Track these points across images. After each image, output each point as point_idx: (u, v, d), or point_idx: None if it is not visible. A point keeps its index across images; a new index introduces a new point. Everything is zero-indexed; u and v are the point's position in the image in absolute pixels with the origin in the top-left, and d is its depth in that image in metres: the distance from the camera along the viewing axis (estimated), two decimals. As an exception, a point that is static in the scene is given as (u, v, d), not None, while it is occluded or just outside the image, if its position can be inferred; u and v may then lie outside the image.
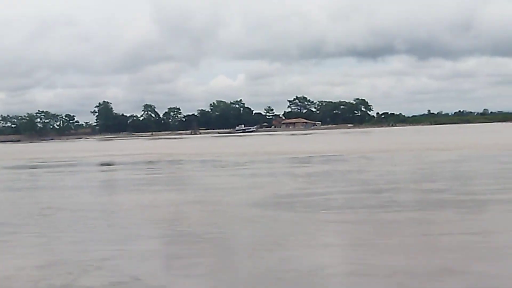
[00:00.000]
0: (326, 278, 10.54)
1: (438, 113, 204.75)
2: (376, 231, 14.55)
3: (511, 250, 12.10)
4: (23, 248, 14.36)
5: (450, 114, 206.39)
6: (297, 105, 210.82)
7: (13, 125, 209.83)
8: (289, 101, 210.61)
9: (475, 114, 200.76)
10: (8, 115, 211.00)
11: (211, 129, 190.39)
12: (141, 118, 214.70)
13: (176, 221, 17.71)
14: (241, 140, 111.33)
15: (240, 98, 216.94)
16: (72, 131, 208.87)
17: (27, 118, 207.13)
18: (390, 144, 65.58)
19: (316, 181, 29.30)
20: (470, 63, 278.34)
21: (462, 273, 10.32)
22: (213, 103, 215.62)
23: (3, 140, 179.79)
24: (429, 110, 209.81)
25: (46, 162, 56.79)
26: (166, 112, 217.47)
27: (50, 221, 19.13)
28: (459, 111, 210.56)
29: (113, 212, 20.70)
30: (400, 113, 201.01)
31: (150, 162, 53.36)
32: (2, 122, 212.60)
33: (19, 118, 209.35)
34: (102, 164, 53.85)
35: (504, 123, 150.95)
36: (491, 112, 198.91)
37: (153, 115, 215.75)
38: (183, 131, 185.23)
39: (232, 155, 58.14)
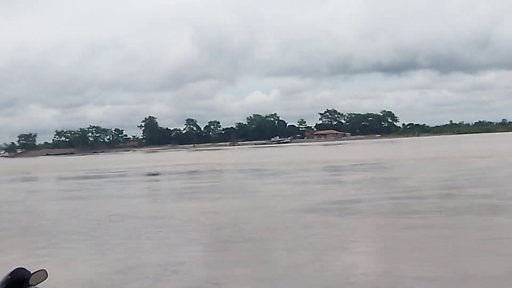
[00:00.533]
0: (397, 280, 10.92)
1: (459, 123, 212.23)
2: (430, 236, 14.99)
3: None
4: (98, 253, 15.36)
5: (471, 124, 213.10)
6: (328, 117, 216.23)
7: (66, 139, 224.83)
8: (320, 114, 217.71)
9: (495, 124, 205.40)
10: (62, 130, 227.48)
11: (248, 140, 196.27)
12: (183, 131, 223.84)
13: (238, 227, 18.40)
14: (278, 150, 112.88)
15: (275, 112, 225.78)
16: (121, 144, 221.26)
17: (80, 133, 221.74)
18: (422, 152, 66.18)
19: (363, 187, 29.57)
20: (488, 76, 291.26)
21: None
22: (250, 116, 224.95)
23: (58, 153, 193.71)
24: (451, 121, 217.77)
25: (103, 173, 59.23)
26: (206, 126, 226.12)
27: (119, 228, 20.18)
28: (479, 121, 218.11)
29: (178, 218, 21.60)
30: (424, 124, 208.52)
31: (200, 171, 55.10)
32: (57, 136, 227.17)
33: (72, 132, 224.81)
34: (155, 174, 55.75)
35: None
36: (510, 122, 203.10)
37: (194, 128, 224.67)
38: (223, 143, 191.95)
39: (276, 164, 59.38)
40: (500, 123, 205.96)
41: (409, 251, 13.44)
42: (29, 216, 25.98)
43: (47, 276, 3.40)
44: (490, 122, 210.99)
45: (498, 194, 23.60)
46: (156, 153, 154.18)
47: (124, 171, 61.59)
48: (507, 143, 75.98)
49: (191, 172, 55.02)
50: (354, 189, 29.23)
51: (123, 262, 13.64)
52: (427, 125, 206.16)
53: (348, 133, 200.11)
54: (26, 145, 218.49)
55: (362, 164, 50.38)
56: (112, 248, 15.87)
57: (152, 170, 61.51)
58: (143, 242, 16.90)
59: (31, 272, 3.34)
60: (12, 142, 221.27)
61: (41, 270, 3.40)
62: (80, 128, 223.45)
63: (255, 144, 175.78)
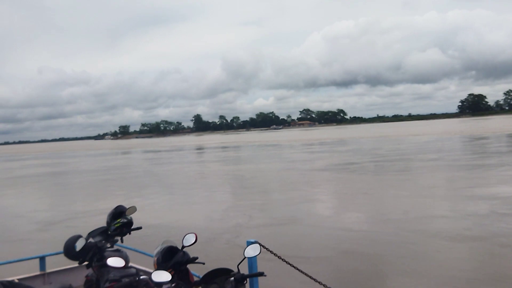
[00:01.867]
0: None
1: (383, 116, 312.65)
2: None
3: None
4: (206, 198, 20.18)
5: (389, 116, 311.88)
6: (304, 114, 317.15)
7: (147, 128, 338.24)
8: (300, 111, 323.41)
9: (404, 116, 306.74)
10: (145, 123, 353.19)
11: (256, 128, 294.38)
12: (217, 123, 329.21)
13: (287, 180, 25.27)
14: (277, 133, 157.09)
15: (272, 111, 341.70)
16: (180, 131, 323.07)
17: (155, 124, 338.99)
18: (370, 133, 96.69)
19: (347, 155, 39.79)
20: (400, 88, 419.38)
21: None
22: (257, 113, 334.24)
23: (143, 137, 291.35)
24: (377, 115, 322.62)
25: (178, 148, 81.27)
26: (231, 119, 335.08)
27: (208, 182, 26.77)
28: (395, 115, 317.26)
29: (237, 176, 29.51)
30: (362, 117, 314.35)
31: (238, 146, 73.30)
32: (142, 126, 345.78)
33: (150, 124, 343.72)
34: (208, 148, 70.41)
35: (421, 121, 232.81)
36: (412, 115, 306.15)
37: (224, 121, 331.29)
38: (241, 130, 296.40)
39: (285, 141, 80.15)
40: (407, 115, 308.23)
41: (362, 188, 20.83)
42: (140, 175, 33.53)
43: (136, 210, 5.21)
44: (401, 115, 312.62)
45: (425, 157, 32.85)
46: (202, 136, 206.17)
47: (187, 147, 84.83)
48: (418, 127, 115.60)
49: (233, 147, 70.38)
50: (345, 156, 39.36)
51: (220, 205, 18.08)
52: (364, 117, 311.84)
53: (316, 123, 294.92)
54: (123, 132, 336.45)
55: (334, 141, 70.02)
56: (206, 195, 21.24)
57: (206, 146, 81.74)
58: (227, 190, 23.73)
59: (127, 208, 5.20)
60: (115, 130, 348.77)
61: (132, 206, 5.22)
62: (156, 122, 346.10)
63: (260, 130, 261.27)
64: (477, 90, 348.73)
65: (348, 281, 8.55)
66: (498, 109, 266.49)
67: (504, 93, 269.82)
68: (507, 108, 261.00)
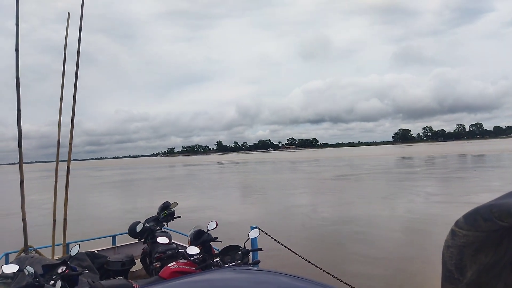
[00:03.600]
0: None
1: (342, 143, 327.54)
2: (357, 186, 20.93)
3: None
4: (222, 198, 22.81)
5: (345, 143, 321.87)
6: (290, 141, 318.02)
7: (185, 149, 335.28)
8: (287, 139, 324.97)
9: (355, 142, 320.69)
10: (184, 146, 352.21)
11: (259, 150, 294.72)
12: (233, 146, 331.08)
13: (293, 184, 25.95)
14: (272, 154, 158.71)
15: (268, 138, 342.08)
16: (208, 152, 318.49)
17: (191, 147, 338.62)
18: (343, 153, 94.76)
19: (335, 167, 35.25)
20: (352, 124, 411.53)
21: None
22: (259, 140, 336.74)
23: (184, 155, 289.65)
24: (338, 142, 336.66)
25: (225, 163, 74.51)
26: (242, 144, 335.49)
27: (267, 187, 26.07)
28: (349, 142, 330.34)
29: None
30: (328, 143, 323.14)
31: (252, 162, 68.35)
32: (183, 148, 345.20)
33: (188, 147, 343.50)
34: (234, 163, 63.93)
35: (367, 146, 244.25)
36: (361, 142, 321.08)
37: (237, 145, 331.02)
38: (248, 151, 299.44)
39: (278, 159, 77.58)
40: (357, 142, 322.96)
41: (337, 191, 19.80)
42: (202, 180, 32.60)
43: (177, 205, 5.35)
44: (354, 142, 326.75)
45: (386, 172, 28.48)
46: (223, 155, 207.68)
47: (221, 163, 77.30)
48: (366, 151, 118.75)
49: (246, 162, 67.93)
50: (333, 170, 36.39)
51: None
52: (329, 143, 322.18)
53: (298, 147, 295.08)
54: (170, 152, 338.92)
55: (311, 159, 68.27)
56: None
57: (230, 161, 78.78)
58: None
59: (171, 203, 5.34)
60: (164, 151, 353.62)
61: (174, 202, 5.38)
62: (192, 145, 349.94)
63: (261, 151, 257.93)
64: (403, 126, 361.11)
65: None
66: (419, 139, 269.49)
67: (423, 128, 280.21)
68: (425, 138, 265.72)
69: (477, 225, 0.68)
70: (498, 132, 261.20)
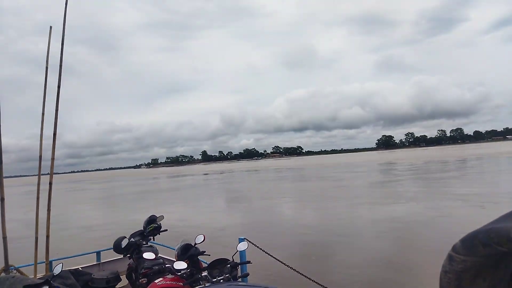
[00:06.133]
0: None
1: (325, 150, 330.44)
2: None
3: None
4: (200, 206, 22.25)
5: (329, 150, 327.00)
6: (275, 149, 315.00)
7: (170, 160, 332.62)
8: (272, 148, 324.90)
9: (338, 150, 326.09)
10: (169, 157, 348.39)
11: (244, 159, 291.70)
12: (218, 156, 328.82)
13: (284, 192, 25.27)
14: (259, 162, 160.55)
15: (254, 147, 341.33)
16: (192, 162, 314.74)
17: (175, 158, 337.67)
18: (324, 161, 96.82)
19: (314, 173, 35.71)
20: (335, 132, 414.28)
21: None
22: (244, 149, 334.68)
23: (168, 166, 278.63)
24: (321, 149, 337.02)
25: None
26: (227, 153, 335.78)
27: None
28: (333, 149, 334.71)
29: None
30: (312, 150, 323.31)
31: (237, 171, 63.27)
32: (167, 159, 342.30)
33: (172, 158, 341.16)
34: (208, 174, 60.41)
35: (350, 153, 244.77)
36: (344, 149, 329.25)
37: (222, 154, 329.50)
38: (233, 160, 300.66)
39: (267, 166, 79.53)
40: (340, 149, 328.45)
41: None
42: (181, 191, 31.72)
43: (163, 218, 5.28)
44: (337, 149, 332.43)
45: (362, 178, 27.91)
46: (209, 165, 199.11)
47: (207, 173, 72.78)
48: (350, 157, 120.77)
49: (232, 172, 63.95)
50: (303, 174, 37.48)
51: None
52: (313, 151, 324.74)
53: (283, 155, 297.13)
54: (154, 163, 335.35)
55: (297, 167, 67.84)
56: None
57: (214, 171, 72.82)
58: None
59: (157, 216, 5.27)
60: (148, 162, 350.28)
61: (161, 215, 5.31)
62: (176, 156, 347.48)
63: (247, 160, 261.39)
64: (385, 132, 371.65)
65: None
66: (402, 145, 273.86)
67: (405, 134, 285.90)
68: (407, 144, 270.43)
69: (475, 251, 0.65)
70: (478, 137, 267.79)
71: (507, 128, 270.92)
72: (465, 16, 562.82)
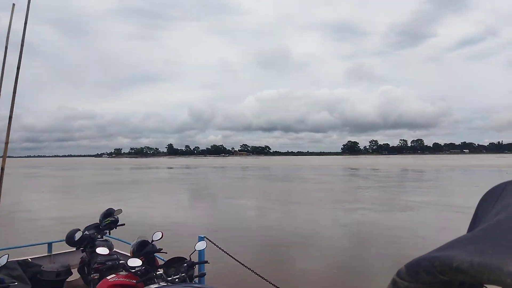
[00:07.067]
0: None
1: (292, 151, 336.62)
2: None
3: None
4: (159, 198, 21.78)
5: (295, 152, 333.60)
6: (243, 147, 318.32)
7: (133, 151, 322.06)
8: (240, 145, 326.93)
9: (305, 152, 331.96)
10: (133, 147, 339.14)
11: (211, 155, 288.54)
12: (184, 150, 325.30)
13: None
14: (226, 159, 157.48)
15: (221, 144, 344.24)
16: (157, 155, 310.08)
17: (140, 149, 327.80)
18: (291, 162, 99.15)
19: (278, 172, 35.79)
20: (303, 134, 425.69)
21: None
22: (212, 145, 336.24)
23: (131, 157, 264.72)
24: (288, 150, 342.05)
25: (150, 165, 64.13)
26: (194, 148, 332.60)
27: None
28: (299, 151, 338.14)
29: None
30: (279, 151, 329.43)
31: (199, 166, 58.59)
32: (131, 150, 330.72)
33: (136, 149, 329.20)
34: (172, 168, 58.31)
35: (315, 156, 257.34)
36: (310, 152, 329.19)
37: (188, 149, 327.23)
38: (200, 155, 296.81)
39: (236, 165, 73.64)
40: (306, 152, 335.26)
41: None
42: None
43: (121, 212, 5.11)
44: (303, 152, 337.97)
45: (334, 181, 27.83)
46: (174, 159, 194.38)
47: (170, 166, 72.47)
48: (316, 160, 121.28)
49: (219, 167, 59.13)
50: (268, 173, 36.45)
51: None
52: (280, 151, 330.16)
53: (251, 153, 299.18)
54: (117, 153, 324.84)
55: (264, 166, 66.38)
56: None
57: (175, 165, 66.06)
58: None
59: (115, 209, 5.11)
60: (110, 151, 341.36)
61: (119, 208, 5.15)
62: (140, 147, 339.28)
63: (214, 157, 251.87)
64: (350, 138, 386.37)
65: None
66: (366, 151, 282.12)
67: (369, 142, 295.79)
68: (371, 151, 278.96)
69: (418, 278, 0.67)
70: (438, 149, 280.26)
71: (464, 142, 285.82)
72: (433, 32, 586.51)
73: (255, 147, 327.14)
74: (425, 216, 14.45)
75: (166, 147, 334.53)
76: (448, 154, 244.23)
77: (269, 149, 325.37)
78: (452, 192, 23.54)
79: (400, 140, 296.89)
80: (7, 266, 3.84)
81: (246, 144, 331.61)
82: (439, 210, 15.64)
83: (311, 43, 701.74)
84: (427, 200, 19.00)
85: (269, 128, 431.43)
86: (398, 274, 0.73)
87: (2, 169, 4.75)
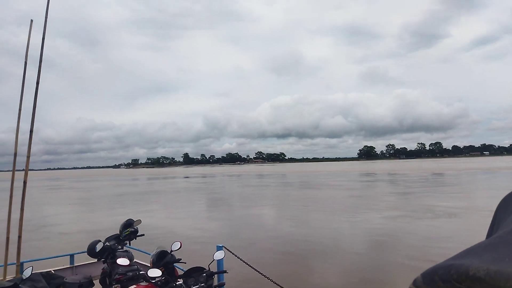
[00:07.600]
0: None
1: (307, 158, 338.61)
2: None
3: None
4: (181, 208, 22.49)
5: (310, 158, 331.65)
6: (258, 154, 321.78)
7: (150, 161, 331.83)
8: (255, 153, 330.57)
9: (320, 158, 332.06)
10: (149, 158, 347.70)
11: (226, 163, 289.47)
12: (200, 159, 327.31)
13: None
14: (242, 167, 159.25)
15: (236, 152, 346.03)
16: (173, 164, 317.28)
17: (156, 159, 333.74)
18: (308, 169, 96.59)
19: (298, 179, 35.08)
20: (317, 140, 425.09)
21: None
22: (227, 153, 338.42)
23: (148, 167, 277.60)
24: (303, 157, 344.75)
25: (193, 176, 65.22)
26: (209, 156, 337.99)
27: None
28: (314, 157, 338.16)
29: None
30: (294, 158, 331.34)
31: (218, 175, 60.04)
32: (147, 160, 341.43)
33: (153, 159, 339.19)
34: (189, 177, 58.67)
35: (331, 162, 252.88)
36: (325, 158, 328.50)
37: (204, 158, 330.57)
38: (215, 164, 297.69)
39: (252, 173, 75.52)
40: (321, 158, 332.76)
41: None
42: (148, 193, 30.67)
43: (141, 222, 5.20)
44: (318, 158, 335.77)
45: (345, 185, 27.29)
46: (191, 168, 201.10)
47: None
48: (334, 166, 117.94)
49: (235, 175, 62.22)
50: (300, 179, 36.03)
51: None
52: (295, 158, 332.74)
53: (266, 161, 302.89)
54: (134, 163, 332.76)
55: (285, 173, 66.94)
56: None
57: (191, 174, 66.28)
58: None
59: (135, 220, 5.21)
60: (127, 162, 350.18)
61: (138, 219, 5.26)
62: (157, 157, 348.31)
63: (230, 165, 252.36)
64: (365, 143, 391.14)
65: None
66: (383, 156, 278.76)
67: (386, 146, 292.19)
68: (388, 155, 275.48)
69: (435, 286, 0.66)
70: (457, 151, 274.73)
71: (484, 144, 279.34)
72: (447, 33, 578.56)
73: (270, 154, 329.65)
74: (471, 223, 13.79)
75: (182, 156, 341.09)
76: (468, 156, 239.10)
77: (284, 156, 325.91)
78: (489, 196, 22.65)
79: (418, 143, 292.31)
80: (31, 278, 3.94)
81: (261, 152, 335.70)
82: (484, 216, 14.76)
83: (323, 47, 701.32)
84: (468, 205, 18.48)
85: (283, 135, 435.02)
86: (415, 282, 0.74)
87: (25, 182, 4.88)
